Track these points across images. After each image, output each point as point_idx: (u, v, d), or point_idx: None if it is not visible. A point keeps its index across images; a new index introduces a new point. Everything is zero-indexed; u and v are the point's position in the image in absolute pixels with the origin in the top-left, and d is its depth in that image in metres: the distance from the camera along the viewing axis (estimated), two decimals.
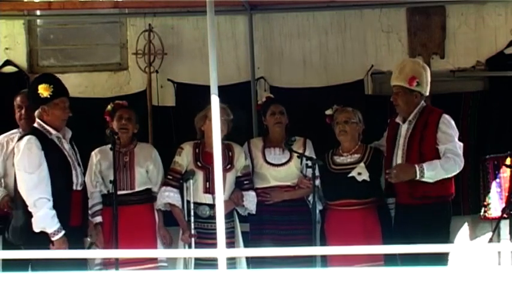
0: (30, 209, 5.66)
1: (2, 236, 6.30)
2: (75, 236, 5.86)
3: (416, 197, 5.99)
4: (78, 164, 5.98)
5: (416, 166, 5.94)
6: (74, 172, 5.88)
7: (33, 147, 5.70)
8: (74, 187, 5.88)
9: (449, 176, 6.00)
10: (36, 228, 5.65)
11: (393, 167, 6.06)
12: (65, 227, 5.72)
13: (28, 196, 5.67)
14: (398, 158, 6.11)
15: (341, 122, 6.29)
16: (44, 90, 5.78)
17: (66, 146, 5.90)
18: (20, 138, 5.83)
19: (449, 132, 6.03)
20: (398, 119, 6.20)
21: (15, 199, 5.83)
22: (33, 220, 5.65)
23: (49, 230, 5.65)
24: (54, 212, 5.67)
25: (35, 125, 5.87)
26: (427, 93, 6.20)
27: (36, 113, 5.87)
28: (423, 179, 5.94)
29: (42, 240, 5.63)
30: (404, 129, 6.14)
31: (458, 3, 7.49)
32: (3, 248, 6.18)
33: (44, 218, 5.64)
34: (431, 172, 5.92)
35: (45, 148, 5.73)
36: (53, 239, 5.65)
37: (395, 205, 6.26)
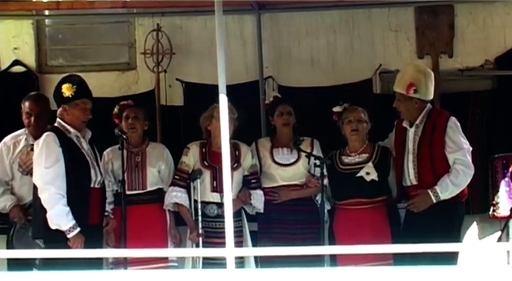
0: (44, 204, 5.71)
1: (7, 236, 6.33)
2: (94, 234, 5.92)
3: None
4: (97, 165, 6.04)
5: (430, 192, 5.97)
6: (92, 171, 5.94)
7: (51, 143, 5.78)
8: (92, 185, 5.93)
9: (465, 187, 6.03)
10: (52, 225, 5.71)
11: (411, 200, 6.07)
12: (84, 225, 5.77)
13: (43, 191, 5.73)
14: (410, 163, 6.12)
15: (354, 121, 6.26)
16: (66, 90, 5.87)
17: (85, 146, 5.96)
18: (39, 138, 5.88)
19: (457, 139, 6.03)
20: (405, 124, 6.19)
21: (36, 194, 5.84)
22: (47, 216, 5.70)
23: (64, 228, 5.70)
24: (68, 208, 5.72)
25: (55, 124, 5.93)
26: (429, 98, 6.16)
27: (58, 111, 5.95)
28: (441, 200, 5.97)
29: (63, 236, 5.69)
30: (412, 133, 6.13)
31: (466, 2, 7.47)
32: (8, 248, 6.21)
33: (59, 214, 5.70)
34: (445, 193, 5.97)
35: (63, 145, 5.81)
36: (68, 236, 5.70)
37: (406, 209, 6.25)
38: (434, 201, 5.97)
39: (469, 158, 6.03)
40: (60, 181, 5.75)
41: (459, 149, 6.01)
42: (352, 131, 6.27)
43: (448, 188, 5.97)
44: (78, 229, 5.72)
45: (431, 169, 6.04)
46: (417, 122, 6.12)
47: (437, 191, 5.97)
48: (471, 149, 6.11)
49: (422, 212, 6.00)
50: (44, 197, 5.73)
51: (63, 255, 4.37)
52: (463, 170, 5.98)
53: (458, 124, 6.10)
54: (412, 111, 6.13)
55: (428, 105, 6.18)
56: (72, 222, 5.71)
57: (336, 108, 6.37)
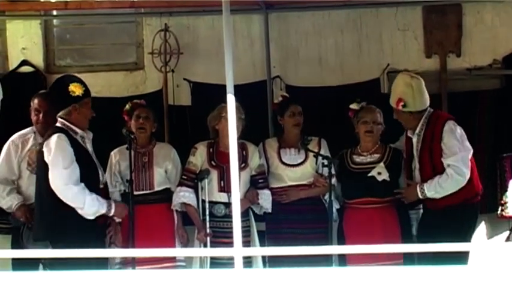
0: (71, 204, 5.74)
1: (12, 235, 6.34)
2: (100, 234, 6.00)
3: (440, 206, 6.04)
4: (101, 165, 6.09)
5: (418, 187, 6.07)
6: (99, 171, 6.00)
7: (64, 144, 5.79)
8: (100, 185, 5.99)
9: (452, 191, 6.04)
10: (91, 216, 5.79)
11: (401, 189, 6.23)
12: (95, 226, 5.83)
13: (65, 191, 5.74)
14: (416, 170, 6.19)
15: (370, 122, 6.27)
16: (77, 89, 5.90)
17: (89, 147, 5.97)
18: (46, 139, 5.86)
19: (451, 144, 6.03)
20: (409, 133, 6.23)
21: (42, 196, 5.86)
22: (82, 212, 5.77)
23: (103, 211, 5.82)
24: (94, 194, 5.82)
25: (58, 124, 5.91)
26: (422, 108, 6.16)
27: (62, 112, 5.92)
28: (427, 197, 6.06)
29: (72, 237, 5.70)
30: (415, 141, 6.18)
31: (474, 1, 7.45)
32: (12, 248, 6.23)
33: (92, 205, 5.79)
34: (431, 192, 6.05)
35: (73, 146, 5.83)
36: (110, 214, 5.88)
37: (423, 209, 6.27)
38: (421, 197, 6.08)
39: (464, 164, 6.02)
40: (78, 179, 5.78)
41: (452, 155, 6.02)
42: (367, 132, 6.28)
43: (434, 189, 6.03)
44: (113, 204, 5.90)
45: (433, 175, 6.05)
46: (417, 130, 6.15)
47: (424, 188, 6.05)
48: (471, 151, 6.09)
49: (436, 216, 6.04)
50: (68, 197, 5.74)
51: (68, 255, 4.37)
52: (453, 175, 5.99)
53: (455, 127, 6.08)
54: (409, 121, 6.18)
55: (428, 110, 6.18)
56: (106, 202, 5.88)
57: (353, 106, 6.36)
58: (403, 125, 6.27)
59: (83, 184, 5.78)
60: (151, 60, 7.55)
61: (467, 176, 6.02)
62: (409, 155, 6.25)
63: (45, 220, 5.82)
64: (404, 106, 6.11)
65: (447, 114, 6.28)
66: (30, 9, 7.52)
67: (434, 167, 6.07)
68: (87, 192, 5.78)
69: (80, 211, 5.76)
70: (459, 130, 6.10)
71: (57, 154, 5.76)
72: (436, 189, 6.02)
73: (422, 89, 6.18)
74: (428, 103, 6.21)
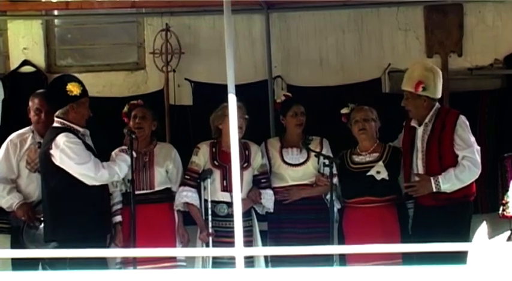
0: (109, 181, 6.00)
1: (12, 235, 6.34)
2: (107, 233, 6.09)
3: (441, 199, 6.03)
4: None
5: (432, 179, 6.01)
6: None
7: (74, 141, 5.84)
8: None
9: (466, 184, 6.03)
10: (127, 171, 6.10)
11: (412, 182, 6.14)
12: (108, 225, 6.01)
13: (101, 177, 5.92)
14: (419, 161, 6.15)
15: (360, 120, 6.28)
16: (75, 89, 5.93)
17: (90, 144, 5.99)
18: (49, 140, 5.86)
19: (466, 137, 6.06)
20: (413, 123, 6.21)
21: (51, 197, 5.88)
22: (120, 178, 6.11)
23: (129, 158, 6.06)
24: (115, 165, 6.07)
25: (57, 124, 5.91)
26: (438, 96, 6.18)
27: (59, 111, 5.93)
28: (441, 191, 6.01)
29: (79, 236, 5.74)
30: (420, 131, 6.15)
31: (475, 1, 7.45)
32: (12, 247, 6.24)
33: (122, 168, 6.07)
34: (447, 185, 6.01)
35: None
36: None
37: (414, 206, 6.26)
38: (434, 190, 6.02)
39: (478, 157, 6.05)
40: (99, 161, 5.93)
41: (468, 147, 6.04)
42: (360, 130, 6.29)
43: (450, 180, 6.00)
44: (123, 151, 6.18)
45: (439, 166, 6.05)
46: (426, 120, 6.14)
47: (440, 181, 6.01)
48: (479, 148, 6.11)
49: (432, 213, 6.01)
50: (105, 179, 5.96)
51: (68, 255, 4.38)
52: (470, 166, 6.00)
53: (468, 123, 6.12)
54: (420, 109, 6.15)
55: (437, 104, 6.19)
56: (121, 154, 6.16)
57: (344, 110, 6.40)
58: (409, 115, 6.22)
59: (104, 163, 5.97)
60: (153, 60, 7.55)
61: (480, 166, 6.04)
62: (410, 145, 6.22)
63: (54, 220, 5.82)
64: (424, 89, 6.08)
65: (457, 110, 6.28)
66: (31, 9, 7.52)
67: (440, 157, 6.06)
68: (111, 163, 6.03)
69: (118, 179, 6.08)
70: (469, 127, 6.13)
71: (73, 153, 5.80)
72: (452, 181, 6.00)
73: (440, 78, 6.22)
74: (440, 95, 6.22)
